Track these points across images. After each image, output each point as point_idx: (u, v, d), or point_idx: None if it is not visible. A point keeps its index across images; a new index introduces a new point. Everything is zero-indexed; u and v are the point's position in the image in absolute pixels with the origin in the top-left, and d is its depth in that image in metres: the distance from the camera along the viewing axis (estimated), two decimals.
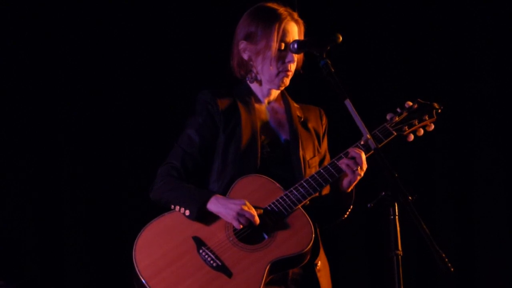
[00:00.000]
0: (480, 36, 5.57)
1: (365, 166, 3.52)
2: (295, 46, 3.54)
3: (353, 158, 3.52)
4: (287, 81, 3.72)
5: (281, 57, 3.66)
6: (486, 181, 5.51)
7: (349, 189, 3.59)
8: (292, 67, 3.69)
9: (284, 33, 3.66)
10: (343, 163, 3.52)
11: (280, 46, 3.65)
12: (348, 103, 3.19)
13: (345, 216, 3.71)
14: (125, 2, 5.39)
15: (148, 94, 5.39)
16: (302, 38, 3.71)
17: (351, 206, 3.67)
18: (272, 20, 3.66)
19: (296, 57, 3.68)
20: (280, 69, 3.67)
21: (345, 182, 3.56)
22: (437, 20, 5.59)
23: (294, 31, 3.68)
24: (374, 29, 5.59)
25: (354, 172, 3.51)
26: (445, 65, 5.60)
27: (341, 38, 3.38)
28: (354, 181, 3.55)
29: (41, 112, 5.27)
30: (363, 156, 3.51)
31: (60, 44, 5.30)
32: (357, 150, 3.53)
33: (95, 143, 5.32)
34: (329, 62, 3.30)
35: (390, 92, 5.51)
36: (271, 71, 3.68)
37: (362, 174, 3.53)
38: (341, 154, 3.57)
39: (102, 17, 5.35)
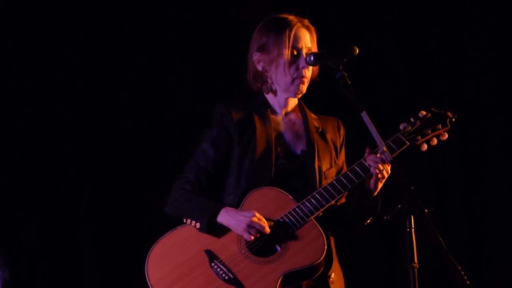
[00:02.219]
0: (497, 45, 5.53)
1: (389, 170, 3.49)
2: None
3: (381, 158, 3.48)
4: (303, 88, 3.71)
5: (295, 64, 3.67)
6: (501, 193, 5.47)
7: (375, 193, 3.55)
8: (307, 73, 3.69)
9: (296, 39, 3.67)
10: (370, 159, 3.48)
11: (292, 52, 3.66)
12: (364, 115, 3.18)
13: (367, 223, 3.68)
14: (127, 4, 5.39)
15: (168, 107, 5.39)
16: (314, 44, 3.72)
17: (377, 211, 3.61)
18: (283, 27, 3.68)
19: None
20: (295, 75, 3.67)
21: (371, 182, 3.52)
22: (452, 28, 5.56)
23: (306, 37, 3.69)
24: (386, 35, 5.57)
25: (381, 171, 3.46)
26: (461, 72, 5.57)
27: (357, 51, 3.38)
28: (378, 182, 3.50)
29: (58, 118, 5.27)
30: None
31: (61, 44, 5.28)
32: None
33: (110, 153, 5.33)
34: (345, 74, 3.30)
35: (402, 99, 5.49)
36: (286, 78, 3.68)
37: (386, 176, 3.50)
38: (354, 165, 3.56)
39: (109, 19, 5.35)
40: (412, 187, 3.09)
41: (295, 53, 3.67)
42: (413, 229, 3.11)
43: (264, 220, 3.48)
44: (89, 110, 5.32)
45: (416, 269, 3.09)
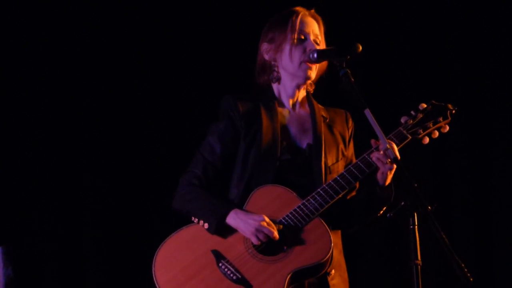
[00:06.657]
0: (498, 37, 5.51)
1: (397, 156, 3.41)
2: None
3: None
4: (311, 73, 3.69)
5: (302, 47, 3.67)
6: (506, 189, 5.46)
7: (387, 182, 3.50)
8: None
9: (302, 24, 3.68)
10: (374, 156, 3.46)
11: (299, 36, 3.67)
12: (367, 112, 3.19)
13: (381, 212, 3.62)
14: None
15: (169, 102, 5.39)
16: (322, 34, 3.73)
17: (390, 201, 3.56)
18: (288, 16, 3.71)
19: (317, 47, 3.67)
20: (302, 58, 3.66)
21: (378, 175, 3.49)
22: (451, 20, 5.54)
23: (313, 24, 3.71)
24: (388, 29, 5.57)
25: (385, 164, 3.43)
26: (462, 66, 5.54)
27: (360, 48, 3.38)
28: (387, 174, 3.46)
29: (62, 116, 5.28)
30: (395, 147, 3.41)
31: (73, 42, 5.30)
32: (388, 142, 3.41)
33: (115, 152, 5.33)
34: (348, 71, 3.31)
35: (404, 92, 5.49)
36: (293, 62, 3.67)
37: (395, 166, 3.44)
38: (357, 161, 3.55)
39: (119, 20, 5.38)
40: (415, 184, 3.10)
41: (302, 37, 3.68)
42: (416, 226, 3.12)
43: (273, 225, 3.47)
44: (94, 109, 5.32)
45: (419, 266, 3.10)
